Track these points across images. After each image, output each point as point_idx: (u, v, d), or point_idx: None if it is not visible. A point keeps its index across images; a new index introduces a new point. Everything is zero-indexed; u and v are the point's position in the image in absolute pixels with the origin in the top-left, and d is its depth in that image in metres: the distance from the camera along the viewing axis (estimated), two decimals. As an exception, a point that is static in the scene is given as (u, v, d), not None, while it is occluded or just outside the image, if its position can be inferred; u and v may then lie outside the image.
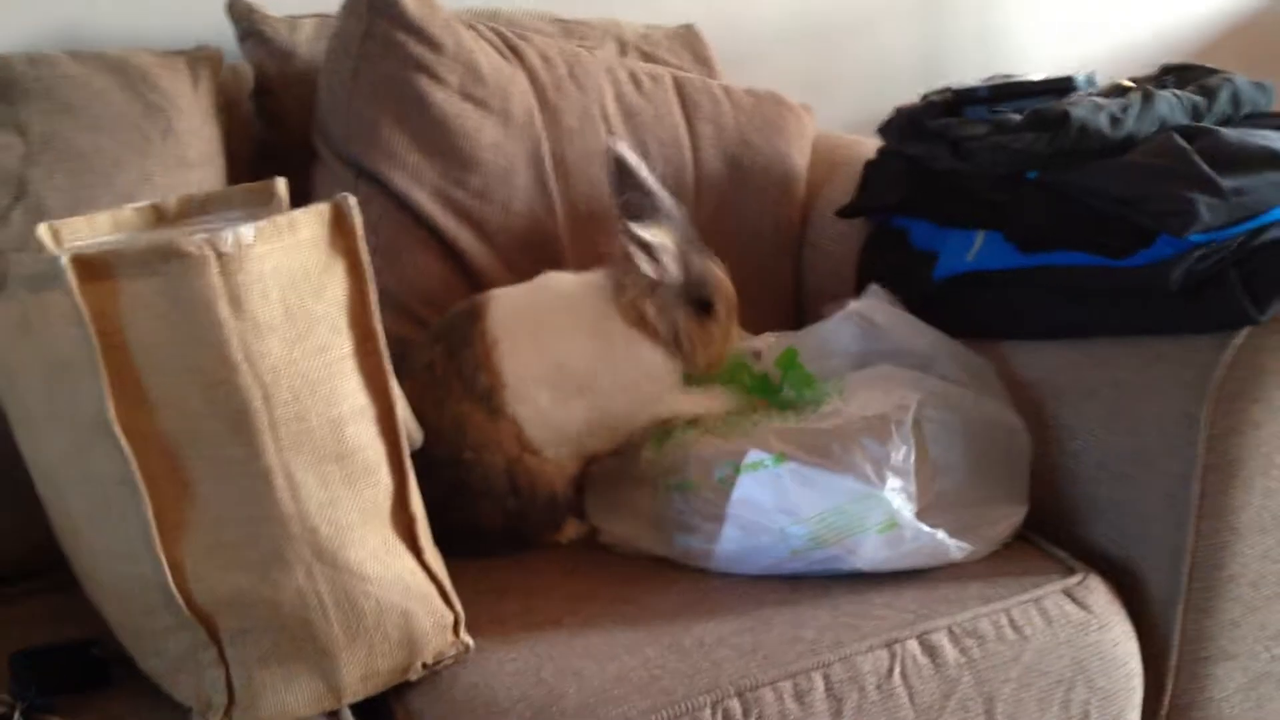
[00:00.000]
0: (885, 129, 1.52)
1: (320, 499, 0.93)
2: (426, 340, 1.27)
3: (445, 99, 1.45)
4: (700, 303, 1.27)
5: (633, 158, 1.26)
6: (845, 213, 1.54)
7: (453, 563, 1.18)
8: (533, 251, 1.50)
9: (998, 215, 1.32)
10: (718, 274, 1.29)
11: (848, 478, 1.07)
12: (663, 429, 1.27)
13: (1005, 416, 1.21)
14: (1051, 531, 1.20)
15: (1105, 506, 1.17)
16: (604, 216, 1.54)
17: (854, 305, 1.31)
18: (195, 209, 1.14)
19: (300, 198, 1.50)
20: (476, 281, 1.47)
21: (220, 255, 0.88)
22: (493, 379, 1.22)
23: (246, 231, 0.89)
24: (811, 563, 1.10)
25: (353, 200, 0.96)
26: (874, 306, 1.29)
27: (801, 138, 1.69)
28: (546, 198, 1.51)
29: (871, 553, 1.08)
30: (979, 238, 1.34)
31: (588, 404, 1.25)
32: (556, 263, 1.51)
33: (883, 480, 1.06)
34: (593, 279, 1.29)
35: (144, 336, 0.88)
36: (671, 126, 1.62)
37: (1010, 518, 1.17)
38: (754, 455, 1.10)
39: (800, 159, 1.68)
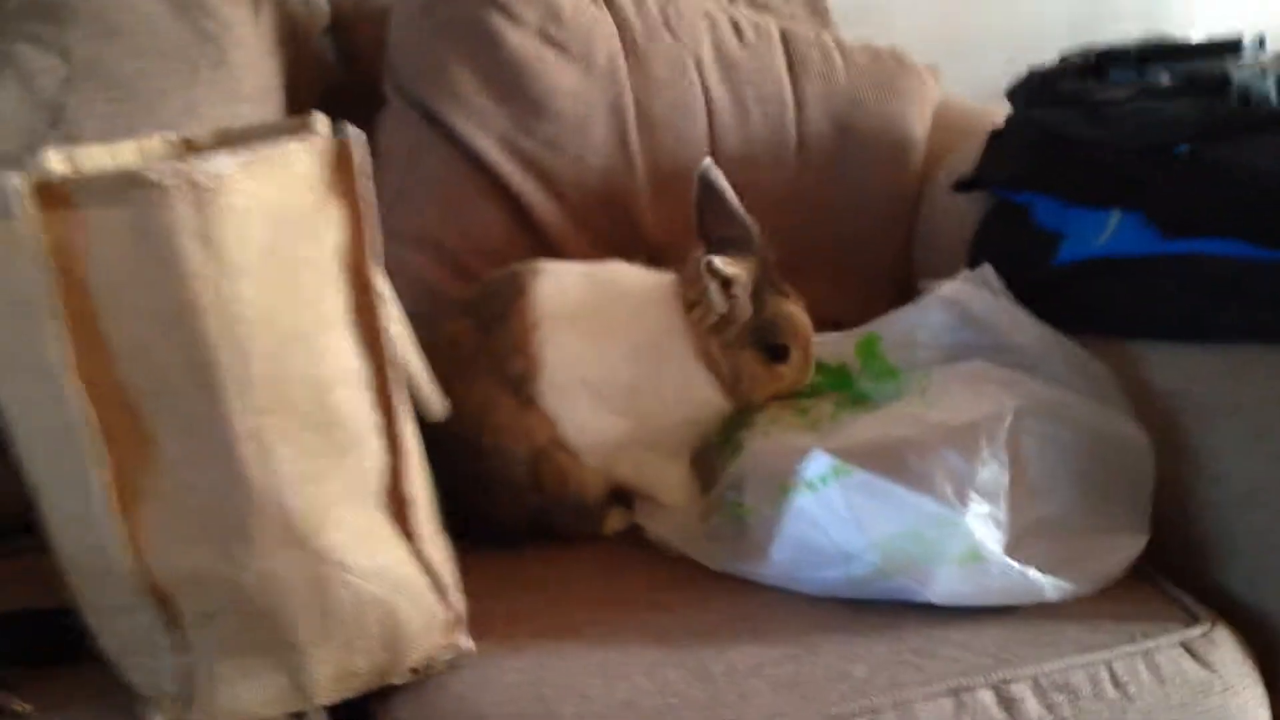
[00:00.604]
0: (1014, 92, 1.34)
1: (296, 471, 0.81)
2: (455, 308, 1.14)
3: (520, 39, 1.32)
4: (774, 348, 1.12)
5: (722, 181, 1.12)
6: (962, 185, 1.36)
7: (481, 553, 1.07)
8: (608, 210, 1.37)
9: (1138, 193, 1.13)
10: (794, 314, 1.13)
11: (924, 497, 0.90)
12: (729, 435, 1.12)
13: (1126, 430, 1.02)
14: (1177, 571, 1.01)
15: (1245, 545, 0.98)
16: (689, 177, 1.40)
17: (947, 288, 1.13)
18: (231, 142, 1.02)
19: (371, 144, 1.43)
20: (542, 240, 1.35)
21: (194, 186, 0.76)
22: (528, 365, 1.08)
23: (227, 162, 0.78)
24: (877, 592, 0.94)
25: (357, 133, 0.83)
26: (970, 292, 1.11)
27: (921, 102, 1.51)
28: (626, 152, 1.37)
29: (948, 586, 0.91)
30: (1114, 218, 1.15)
31: (626, 423, 1.11)
32: (634, 225, 1.39)
33: (965, 503, 0.89)
34: (663, 285, 1.14)
35: (107, 275, 0.77)
36: (775, 82, 1.46)
37: (1125, 550, 0.98)
38: (816, 463, 0.93)
39: (918, 125, 1.50)
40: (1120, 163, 1.16)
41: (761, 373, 1.12)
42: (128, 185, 0.76)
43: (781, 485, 0.96)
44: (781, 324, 1.12)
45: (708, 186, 1.12)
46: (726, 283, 1.07)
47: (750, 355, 1.11)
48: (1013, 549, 0.91)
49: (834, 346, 1.17)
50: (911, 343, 1.12)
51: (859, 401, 1.09)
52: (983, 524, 0.90)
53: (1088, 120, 1.21)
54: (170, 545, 0.81)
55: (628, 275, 1.16)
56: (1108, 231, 1.14)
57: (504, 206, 1.34)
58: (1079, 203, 1.20)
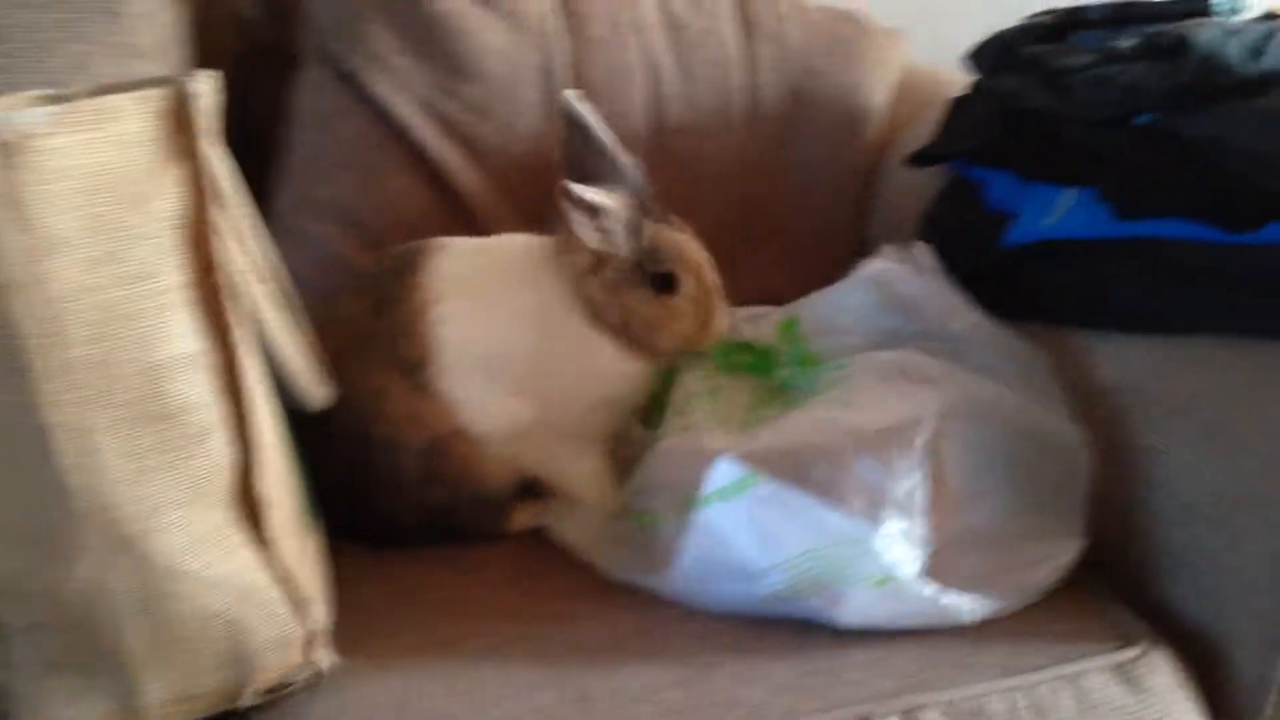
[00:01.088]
0: (976, 56, 1.25)
1: (123, 470, 0.73)
2: (351, 287, 1.05)
3: (441, -8, 1.23)
4: (659, 277, 1.01)
5: (585, 112, 1.01)
6: (915, 160, 1.26)
7: (373, 556, 1.00)
8: (536, 181, 1.27)
9: (1095, 169, 1.04)
10: (678, 239, 1.03)
11: (834, 513, 0.82)
12: (650, 419, 1.04)
13: (1058, 427, 0.93)
14: (1118, 583, 0.93)
15: (1191, 557, 0.89)
16: (632, 144, 1.31)
17: (873, 267, 1.05)
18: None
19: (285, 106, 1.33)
20: (464, 212, 1.26)
21: (-1, 143, 0.67)
22: (421, 348, 0.99)
23: (37, 115, 0.69)
24: (785, 611, 0.86)
25: (201, 85, 0.74)
26: (898, 272, 1.03)
27: (881, 68, 1.42)
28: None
29: (859, 608, 0.83)
30: (1066, 197, 1.05)
31: (529, 406, 1.02)
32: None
33: (878, 520, 0.81)
34: (546, 246, 1.04)
35: (-96, 244, 0.69)
36: (723, 44, 1.36)
37: (1057, 559, 0.90)
38: (723, 471, 0.85)
39: (876, 93, 1.41)
40: (1079, 135, 1.06)
41: (655, 310, 1.01)
42: (-80, 142, 0.68)
43: (688, 494, 0.87)
44: (664, 250, 1.01)
45: (574, 121, 1.01)
46: (593, 212, 0.97)
47: (638, 294, 1.00)
48: (934, 565, 0.82)
49: (755, 326, 1.08)
50: (834, 326, 1.04)
51: (777, 392, 1.00)
52: (896, 543, 0.81)
53: (1046, 88, 1.11)
54: (-15, 549, 0.73)
55: (516, 243, 1.06)
56: (1059, 211, 1.05)
57: (423, 175, 1.24)
58: (1035, 179, 1.11)
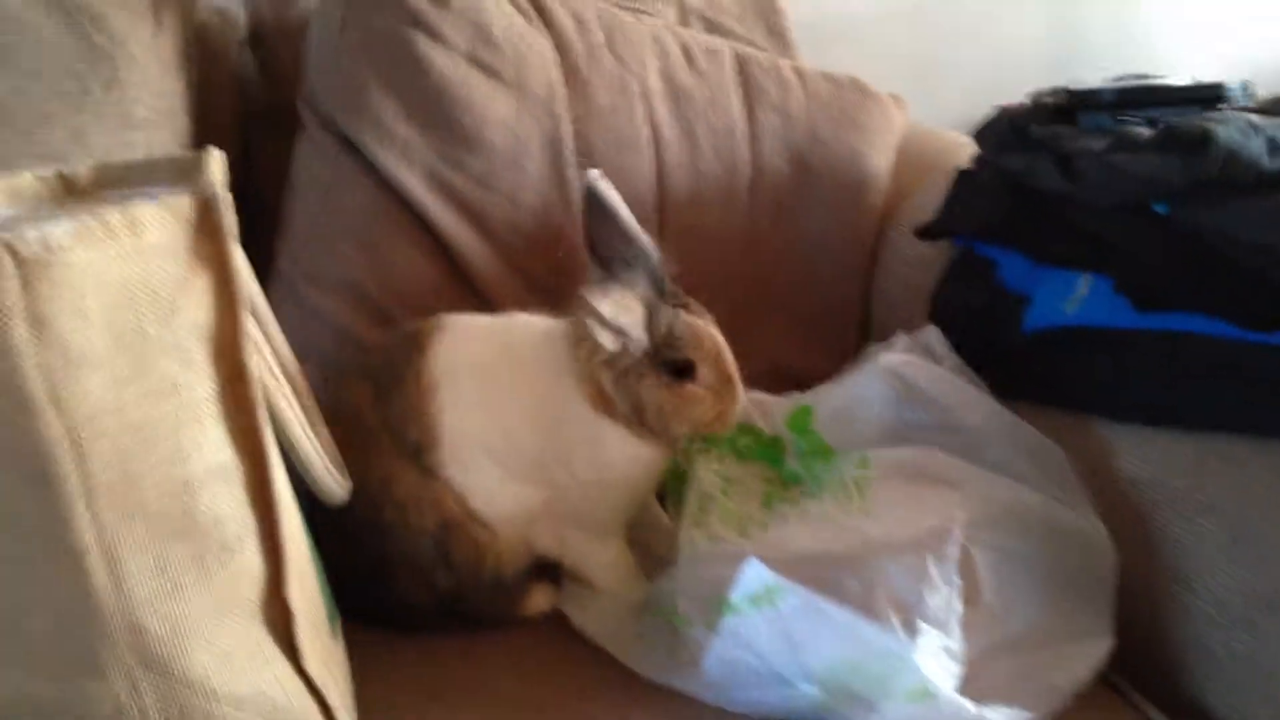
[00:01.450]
0: (982, 134, 1.25)
1: (153, 588, 0.70)
2: (356, 372, 1.02)
3: (446, 63, 1.22)
4: (676, 365, 0.98)
5: (608, 191, 0.99)
6: (925, 233, 1.27)
7: (385, 647, 0.97)
8: (544, 253, 1.27)
9: (1108, 257, 1.04)
10: (696, 326, 1.00)
11: (868, 625, 0.80)
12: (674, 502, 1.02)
13: (1083, 525, 0.93)
14: (1150, 683, 0.93)
15: (1221, 659, 0.89)
16: (638, 216, 1.30)
17: (888, 359, 1.04)
18: (113, 180, 0.91)
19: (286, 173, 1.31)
20: (472, 285, 1.24)
21: (19, 259, 0.65)
22: (424, 434, 0.97)
23: (58, 230, 0.66)
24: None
25: (222, 190, 0.72)
26: (912, 365, 1.02)
27: (885, 134, 1.42)
28: (564, 190, 1.27)
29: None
30: (1083, 283, 1.06)
31: (539, 493, 1.00)
32: (572, 270, 1.27)
33: (914, 634, 0.80)
34: (554, 332, 1.01)
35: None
36: (727, 112, 1.36)
37: (1088, 659, 0.89)
38: (751, 577, 0.83)
39: (880, 160, 1.41)
40: (1091, 222, 1.07)
41: (669, 397, 0.98)
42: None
43: (715, 597, 0.86)
44: (681, 337, 0.98)
45: (596, 201, 0.99)
46: (605, 323, 0.95)
47: (651, 380, 0.97)
48: (968, 677, 0.81)
49: (766, 413, 1.07)
50: (849, 418, 1.03)
51: (790, 485, 0.99)
52: (934, 658, 0.80)
53: (1059, 171, 1.11)
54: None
55: (524, 326, 1.03)
56: (1076, 296, 1.05)
57: (430, 248, 1.23)
58: (1048, 262, 1.11)
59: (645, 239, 1.00)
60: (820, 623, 0.80)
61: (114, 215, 0.69)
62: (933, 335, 1.07)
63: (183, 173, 0.89)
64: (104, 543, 0.69)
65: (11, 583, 0.69)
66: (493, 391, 0.97)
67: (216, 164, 0.90)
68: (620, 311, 0.94)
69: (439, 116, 1.22)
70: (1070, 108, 1.18)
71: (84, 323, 0.67)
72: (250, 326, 0.76)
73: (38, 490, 0.67)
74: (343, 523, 0.97)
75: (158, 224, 0.70)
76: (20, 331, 0.65)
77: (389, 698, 0.92)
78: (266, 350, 0.81)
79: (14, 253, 0.64)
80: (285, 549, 0.76)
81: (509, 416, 0.97)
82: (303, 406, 0.89)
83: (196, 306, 0.72)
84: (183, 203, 0.71)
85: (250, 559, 0.75)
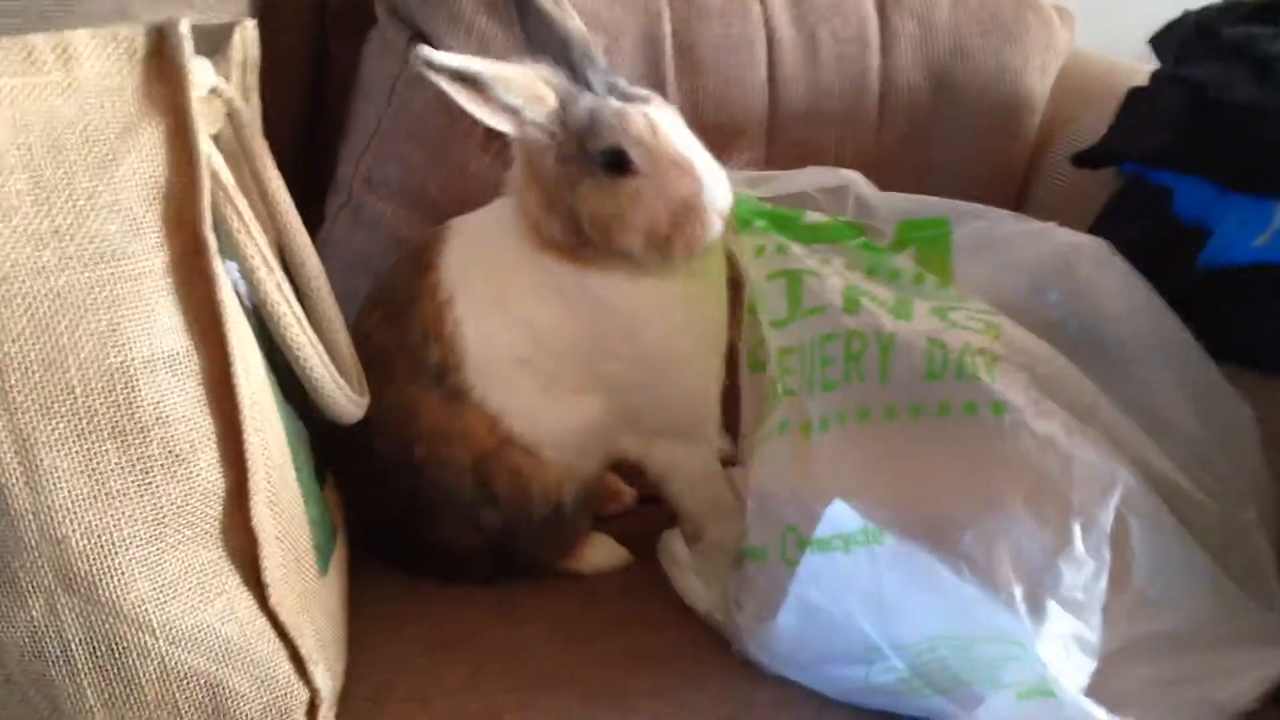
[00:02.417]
0: (1160, 40, 1.05)
1: (77, 493, 0.59)
2: (366, 301, 0.90)
3: (533, -56, 1.07)
4: (604, 157, 0.79)
5: None
6: (1085, 159, 1.07)
7: (418, 594, 0.85)
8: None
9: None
10: (625, 111, 0.79)
11: (984, 595, 0.63)
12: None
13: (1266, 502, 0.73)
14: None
15: None
16: (743, 129, 1.14)
17: (1064, 233, 0.82)
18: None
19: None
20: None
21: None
22: (446, 353, 0.84)
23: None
24: (901, 706, 0.68)
25: (183, 26, 0.59)
26: (1095, 250, 0.80)
27: (1045, 51, 1.21)
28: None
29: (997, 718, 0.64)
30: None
31: (599, 400, 0.85)
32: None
33: (1041, 615, 0.62)
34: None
35: None
36: (856, 17, 1.18)
37: (1260, 670, 0.69)
38: (837, 518, 0.67)
39: (1039, 80, 1.21)
40: (1296, 137, 0.86)
41: (602, 198, 0.79)
42: None
43: (787, 525, 0.70)
44: (604, 122, 0.79)
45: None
46: (470, 83, 0.78)
47: (585, 186, 0.80)
48: (1102, 677, 0.63)
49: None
50: (973, 276, 0.81)
51: (876, 272, 0.80)
52: (1063, 649, 0.62)
53: (1257, 78, 0.91)
54: (-93, 585, 0.59)
55: (506, 207, 0.87)
56: (1270, 230, 0.85)
57: (500, 152, 1.09)
58: (1237, 188, 0.91)
59: (573, 27, 0.83)
60: (922, 582, 0.64)
61: (40, 40, 0.57)
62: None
63: (213, 37, 0.78)
64: (15, 429, 0.57)
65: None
66: (511, 292, 0.84)
67: (248, 33, 0.80)
68: (474, 68, 0.77)
69: (522, 7, 1.07)
70: (1273, 5, 0.97)
71: (-3, 165, 0.55)
72: (224, 193, 0.64)
73: (-60, 367, 0.56)
74: (371, 465, 0.86)
75: (96, 55, 0.58)
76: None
77: (403, 645, 0.79)
78: (264, 240, 0.69)
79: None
80: (252, 463, 0.63)
81: (533, 315, 0.83)
82: (320, 314, 0.77)
83: (144, 160, 0.59)
84: (130, 35, 0.59)
85: (206, 471, 0.62)
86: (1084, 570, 0.64)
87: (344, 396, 0.76)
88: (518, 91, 0.78)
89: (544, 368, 0.83)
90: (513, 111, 0.78)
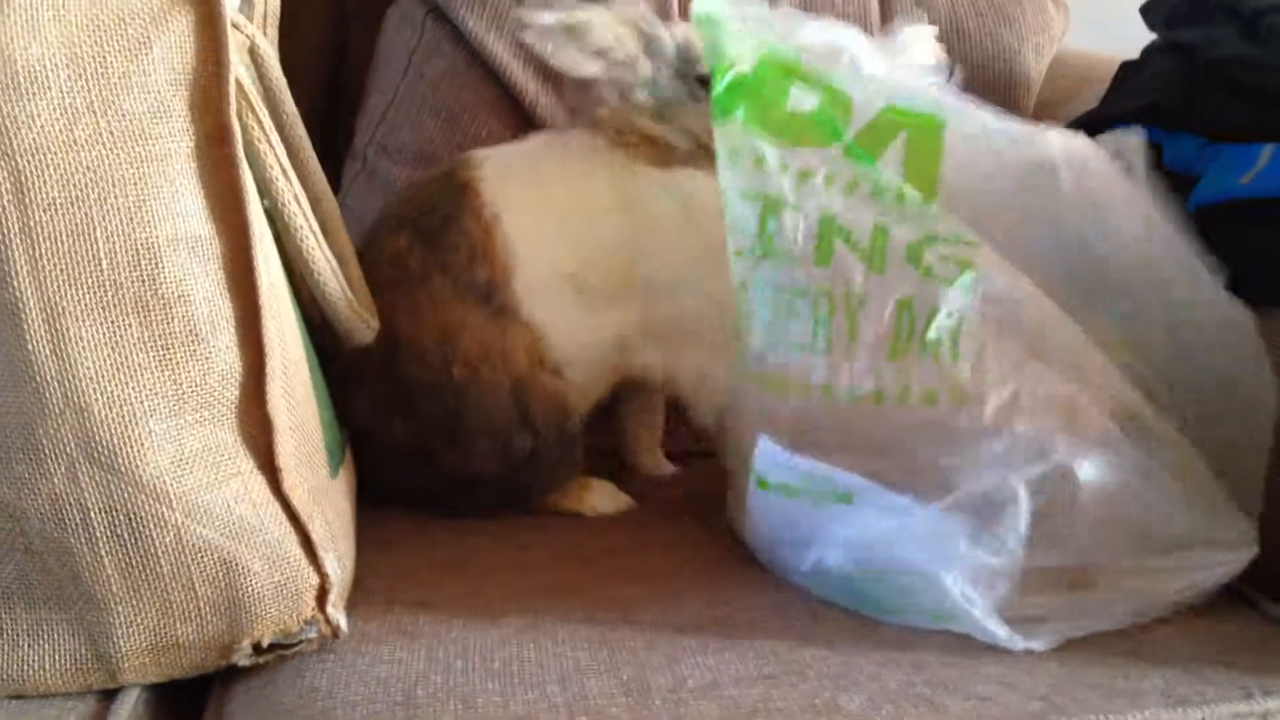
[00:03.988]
0: (1150, 8, 1.07)
1: (101, 364, 0.61)
2: (389, 222, 0.92)
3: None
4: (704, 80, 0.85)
5: None
6: (1077, 127, 1.08)
7: (420, 523, 0.88)
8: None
9: (1303, 120, 0.85)
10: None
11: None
12: None
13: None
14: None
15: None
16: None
17: (1059, 138, 0.80)
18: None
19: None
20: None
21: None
22: (496, 270, 0.87)
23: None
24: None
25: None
26: (1085, 147, 0.79)
27: (1041, 34, 1.25)
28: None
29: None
30: (1265, 153, 0.87)
31: (636, 314, 0.89)
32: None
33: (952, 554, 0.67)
34: (589, 137, 0.91)
35: None
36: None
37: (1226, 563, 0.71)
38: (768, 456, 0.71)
39: (1034, 61, 1.24)
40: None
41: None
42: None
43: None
44: (697, 45, 0.86)
45: None
46: (572, 33, 0.84)
47: (691, 107, 0.87)
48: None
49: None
50: (958, 186, 0.77)
51: (856, 187, 0.75)
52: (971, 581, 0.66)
53: (1241, 36, 0.94)
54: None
55: (558, 136, 0.96)
56: (1255, 168, 0.87)
57: (511, 119, 1.13)
58: (1227, 138, 0.93)
59: None
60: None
61: (79, -78, 0.60)
62: (1134, 141, 0.83)
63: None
64: (45, 298, 0.60)
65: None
66: (558, 210, 0.88)
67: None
68: (574, 19, 0.83)
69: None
70: (1260, -34, 1.00)
71: (35, 39, 0.58)
72: (263, 115, 0.67)
73: (-27, 238, 0.58)
74: (394, 390, 0.87)
75: (133, -59, 0.61)
76: (-44, 44, 0.56)
77: (404, 563, 0.81)
78: (283, 150, 0.72)
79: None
80: (269, 349, 0.66)
81: (589, 226, 0.88)
82: (332, 240, 0.80)
83: (174, 47, 0.62)
84: (160, -77, 0.62)
85: (224, 352, 0.65)
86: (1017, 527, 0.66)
87: (356, 315, 0.79)
88: (602, 37, 0.84)
89: (589, 279, 0.87)
90: (602, 54, 0.84)
